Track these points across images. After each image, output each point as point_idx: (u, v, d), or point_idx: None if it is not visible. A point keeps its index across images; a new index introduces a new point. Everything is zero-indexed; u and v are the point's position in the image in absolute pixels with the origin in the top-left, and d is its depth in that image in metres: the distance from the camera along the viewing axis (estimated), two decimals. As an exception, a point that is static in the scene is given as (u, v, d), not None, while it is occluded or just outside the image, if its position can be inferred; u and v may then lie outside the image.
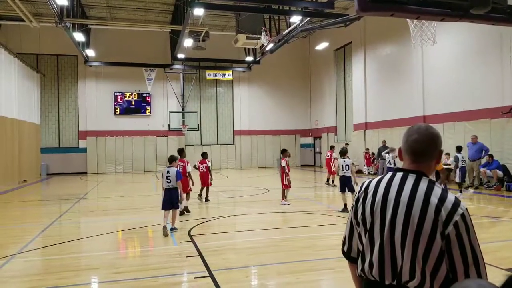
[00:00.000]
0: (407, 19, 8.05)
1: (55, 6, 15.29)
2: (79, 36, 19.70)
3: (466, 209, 1.63)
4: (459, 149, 12.21)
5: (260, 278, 5.13)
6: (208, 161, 11.50)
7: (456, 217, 1.59)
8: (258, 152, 28.24)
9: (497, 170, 12.92)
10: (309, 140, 28.93)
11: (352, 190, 9.67)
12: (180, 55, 22.83)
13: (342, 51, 24.82)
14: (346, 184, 9.75)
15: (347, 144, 22.34)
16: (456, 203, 1.62)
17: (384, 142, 18.81)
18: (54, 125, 25.15)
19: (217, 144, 27.91)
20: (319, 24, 18.50)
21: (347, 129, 24.36)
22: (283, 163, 10.83)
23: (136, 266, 5.57)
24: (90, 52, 23.64)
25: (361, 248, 1.80)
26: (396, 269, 1.66)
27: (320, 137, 27.33)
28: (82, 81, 25.35)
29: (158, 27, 23.04)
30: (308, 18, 16.72)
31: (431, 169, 1.79)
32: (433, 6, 5.93)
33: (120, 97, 25.82)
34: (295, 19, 17.17)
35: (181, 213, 9.33)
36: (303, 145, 29.09)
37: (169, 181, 7.60)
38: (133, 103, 26.06)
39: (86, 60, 24.11)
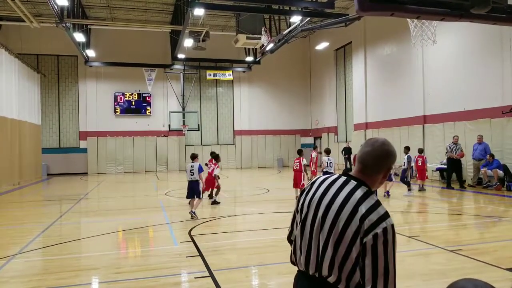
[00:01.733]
0: (407, 19, 8.05)
1: (56, 7, 15.30)
2: (79, 37, 19.71)
3: (392, 225, 1.70)
4: (407, 149, 12.76)
5: (260, 278, 5.13)
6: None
7: (378, 230, 1.66)
8: (258, 152, 28.24)
9: (498, 170, 12.90)
10: (309, 140, 28.93)
11: None
12: (180, 55, 22.82)
13: (342, 51, 24.81)
14: None
15: (347, 143, 22.44)
16: (383, 217, 1.69)
17: None
18: (55, 125, 25.17)
19: (218, 144, 27.91)
20: (319, 24, 18.47)
21: (348, 129, 24.35)
22: (304, 162, 11.29)
23: (136, 266, 5.57)
24: (90, 53, 23.66)
25: (297, 238, 1.91)
26: (319, 262, 1.77)
27: (320, 137, 27.33)
28: (82, 82, 25.36)
29: (158, 27, 23.04)
30: (308, 18, 16.71)
31: (375, 182, 1.86)
32: (433, 5, 5.92)
33: (121, 97, 25.83)
34: (295, 19, 17.17)
35: (214, 203, 11.07)
36: (303, 145, 29.05)
37: (192, 174, 9.02)
38: (133, 103, 26.07)
39: (87, 60, 24.13)
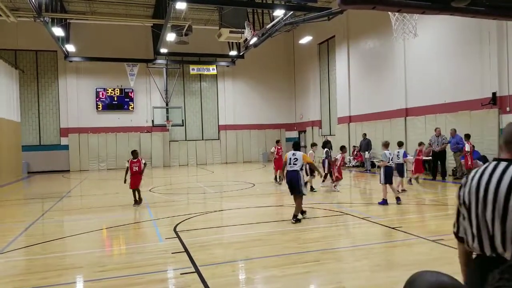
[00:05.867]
0: (389, 12, 8.12)
1: (33, 0, 14.87)
2: (58, 31, 19.23)
3: None
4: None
5: (246, 272, 5.14)
6: (142, 159, 10.79)
7: None
8: (243, 147, 28.22)
9: (478, 161, 13.20)
10: (294, 134, 29.05)
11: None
12: (163, 50, 22.54)
13: (326, 45, 24.91)
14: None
15: (324, 136, 22.89)
16: None
17: (364, 135, 19.28)
18: (35, 122, 24.58)
19: (202, 139, 27.76)
20: (303, 18, 18.49)
21: (332, 122, 24.54)
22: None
23: (121, 264, 5.51)
24: (70, 47, 23.11)
25: (466, 227, 2.09)
26: (493, 242, 1.91)
27: (305, 131, 27.47)
28: (62, 77, 24.80)
29: (139, 21, 22.67)
30: (292, 12, 16.70)
31: None
32: (414, -1, 5.99)
33: (102, 93, 25.37)
34: (279, 12, 17.12)
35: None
36: (288, 139, 29.16)
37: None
38: (115, 99, 25.64)
39: (66, 55, 23.58)
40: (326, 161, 13.20)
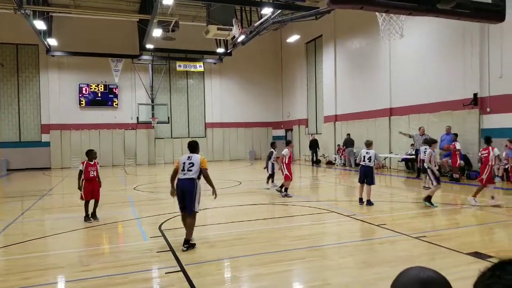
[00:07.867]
0: (376, 13, 8.19)
1: (14, -8, 14.49)
2: (40, 24, 18.79)
3: None
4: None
5: (232, 270, 5.12)
6: (98, 163, 8.50)
7: None
8: (230, 145, 28.13)
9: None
10: (281, 132, 29.12)
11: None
12: (149, 46, 22.27)
13: (313, 44, 25.02)
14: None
15: (311, 134, 23.27)
16: None
17: (348, 134, 19.58)
18: (15, 118, 23.98)
19: (188, 137, 27.54)
20: (290, 17, 18.51)
21: (318, 121, 24.68)
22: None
23: (105, 263, 5.41)
24: (52, 41, 22.61)
25: None
26: None
27: (291, 129, 27.57)
28: (44, 72, 24.25)
29: (125, 16, 22.33)
30: (280, 10, 16.70)
31: None
32: (402, 0, 6.04)
33: (86, 89, 24.92)
34: (267, 11, 17.12)
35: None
36: (275, 137, 29.20)
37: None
38: (99, 95, 25.22)
39: (48, 49, 23.06)
40: (270, 162, 12.35)
